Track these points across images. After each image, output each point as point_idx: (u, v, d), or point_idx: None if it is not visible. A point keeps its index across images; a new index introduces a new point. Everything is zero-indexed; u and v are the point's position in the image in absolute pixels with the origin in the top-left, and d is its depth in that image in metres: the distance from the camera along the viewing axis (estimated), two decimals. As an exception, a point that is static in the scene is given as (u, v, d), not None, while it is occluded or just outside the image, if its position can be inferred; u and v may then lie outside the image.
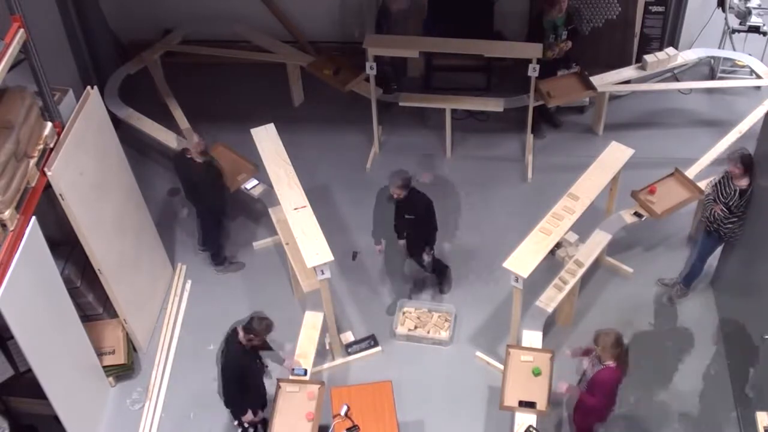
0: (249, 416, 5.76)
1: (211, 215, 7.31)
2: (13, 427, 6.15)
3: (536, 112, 8.35)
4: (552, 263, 6.81)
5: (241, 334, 5.45)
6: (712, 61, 9.30)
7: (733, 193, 6.28)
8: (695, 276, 7.00)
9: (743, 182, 6.26)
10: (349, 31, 9.35)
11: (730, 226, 6.39)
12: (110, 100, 8.35)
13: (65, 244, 6.49)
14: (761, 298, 5.99)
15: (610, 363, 5.24)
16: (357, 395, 5.76)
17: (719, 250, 6.89)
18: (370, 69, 7.93)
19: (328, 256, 6.00)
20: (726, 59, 9.09)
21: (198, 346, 6.95)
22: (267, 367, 5.90)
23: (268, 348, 5.83)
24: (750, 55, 8.82)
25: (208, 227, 7.43)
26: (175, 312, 7.29)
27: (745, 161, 6.23)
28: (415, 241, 6.78)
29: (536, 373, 5.80)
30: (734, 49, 9.00)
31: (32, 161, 5.60)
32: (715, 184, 6.52)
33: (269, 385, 5.92)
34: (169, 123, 8.26)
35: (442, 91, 8.76)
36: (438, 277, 7.26)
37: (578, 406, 5.70)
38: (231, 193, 7.46)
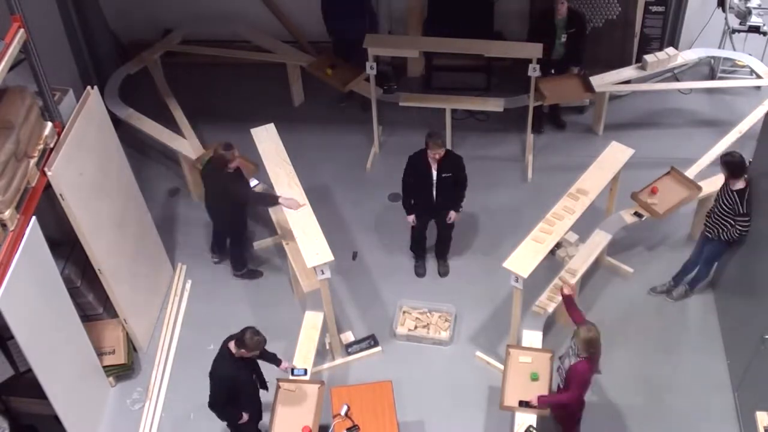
0: (245, 417, 5.75)
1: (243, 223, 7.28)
2: (13, 427, 6.15)
3: (541, 111, 8.37)
4: (552, 263, 6.81)
5: (232, 345, 5.39)
6: (712, 61, 9.30)
7: (731, 197, 6.26)
8: (701, 280, 6.99)
9: (739, 184, 6.25)
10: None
11: (741, 228, 6.32)
12: (110, 100, 8.34)
13: (65, 244, 6.49)
14: (761, 298, 5.99)
15: (584, 354, 5.29)
16: (357, 395, 5.76)
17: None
18: (370, 69, 7.94)
19: (328, 256, 6.00)
20: (726, 59, 9.10)
21: (198, 346, 6.94)
22: (266, 382, 5.81)
23: (264, 358, 5.72)
24: (750, 55, 8.82)
25: (235, 240, 7.36)
26: (175, 312, 7.29)
27: (728, 165, 6.22)
28: (447, 200, 6.87)
29: (534, 378, 5.81)
30: (734, 49, 9.00)
31: (32, 161, 5.60)
32: (717, 197, 6.50)
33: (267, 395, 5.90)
34: (169, 123, 8.26)
35: (442, 91, 8.76)
36: (445, 246, 7.37)
37: (554, 405, 5.75)
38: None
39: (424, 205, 6.95)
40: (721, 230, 6.42)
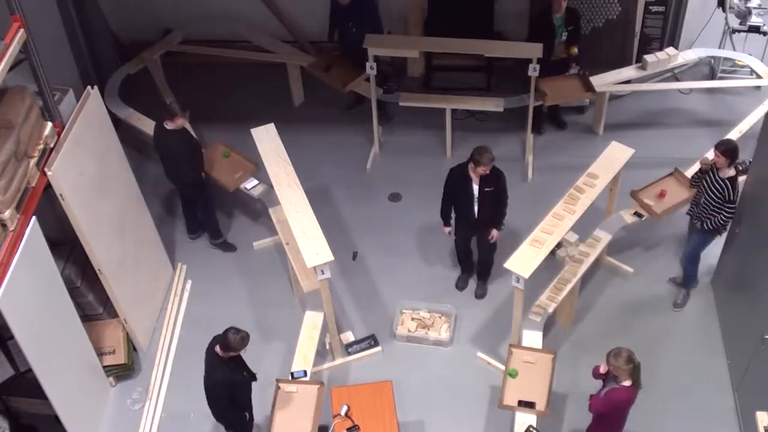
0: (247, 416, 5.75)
1: (199, 189, 7.35)
2: (13, 427, 6.15)
3: (541, 111, 8.37)
4: (552, 263, 6.81)
5: (218, 349, 5.38)
6: (712, 61, 9.30)
7: (723, 185, 6.25)
8: (691, 277, 7.00)
9: (730, 172, 6.26)
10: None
11: (726, 215, 6.35)
12: (110, 100, 8.35)
13: (65, 244, 6.49)
14: (761, 298, 5.99)
15: (626, 383, 5.17)
16: (357, 395, 5.76)
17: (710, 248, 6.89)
18: (371, 69, 7.94)
19: (328, 256, 6.00)
20: (726, 59, 9.10)
21: (198, 346, 6.92)
22: (255, 375, 5.78)
23: (243, 365, 5.67)
24: (750, 55, 8.82)
25: (205, 205, 7.51)
26: (175, 312, 7.28)
27: (729, 153, 6.19)
28: (487, 215, 6.66)
29: (512, 374, 5.82)
30: (734, 49, 9.00)
31: (32, 161, 5.60)
32: (701, 182, 6.51)
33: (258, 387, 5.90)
34: (169, 123, 8.26)
35: (442, 91, 8.76)
36: (487, 266, 7.16)
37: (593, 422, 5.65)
38: (231, 192, 7.47)
39: (465, 220, 6.75)
40: (707, 219, 6.44)
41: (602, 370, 5.27)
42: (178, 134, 6.91)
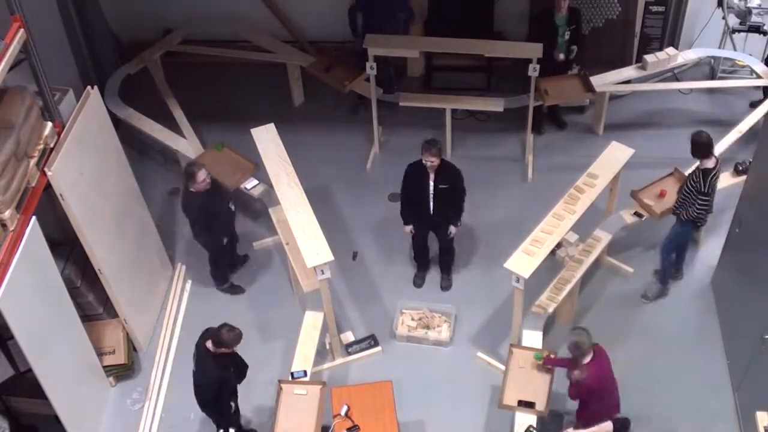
0: (233, 407, 5.74)
1: (224, 241, 7.06)
2: (13, 427, 6.16)
3: (541, 111, 8.37)
4: (552, 263, 6.81)
5: (209, 344, 5.36)
6: (713, 61, 9.30)
7: (698, 175, 6.28)
8: (667, 270, 7.00)
9: (708, 163, 6.26)
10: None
11: (699, 206, 6.36)
12: (110, 100, 8.35)
13: (65, 244, 6.49)
14: (761, 298, 5.99)
15: (587, 359, 5.31)
16: (357, 395, 5.76)
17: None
18: (371, 69, 7.94)
19: (328, 256, 6.00)
20: (726, 59, 9.10)
21: (198, 346, 6.94)
22: (244, 374, 5.74)
23: (240, 362, 5.67)
24: (750, 55, 8.82)
25: (222, 256, 7.24)
26: (175, 312, 7.28)
27: (693, 144, 6.23)
28: (445, 211, 6.78)
29: (538, 358, 5.87)
30: (734, 49, 9.00)
31: (32, 161, 5.60)
32: (686, 180, 6.56)
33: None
34: (169, 123, 8.27)
35: (442, 91, 8.77)
36: (448, 258, 7.29)
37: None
38: (231, 192, 7.47)
39: (422, 216, 6.82)
40: (683, 208, 6.48)
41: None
42: (197, 197, 6.55)
